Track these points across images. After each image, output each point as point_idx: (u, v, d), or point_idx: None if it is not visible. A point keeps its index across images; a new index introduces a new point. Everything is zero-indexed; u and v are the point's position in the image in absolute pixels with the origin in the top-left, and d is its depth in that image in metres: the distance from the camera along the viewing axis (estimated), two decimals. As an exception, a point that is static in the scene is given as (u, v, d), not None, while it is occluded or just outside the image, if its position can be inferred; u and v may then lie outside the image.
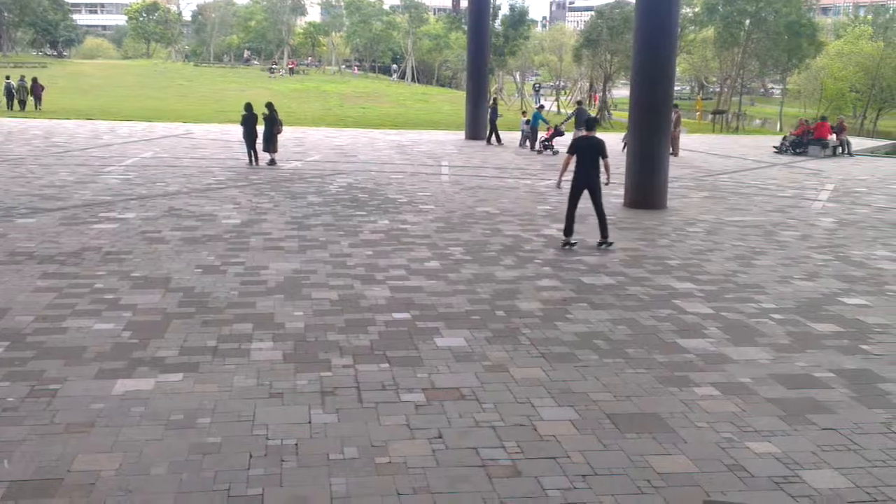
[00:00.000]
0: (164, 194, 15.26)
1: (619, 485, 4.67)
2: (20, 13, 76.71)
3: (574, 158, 11.24)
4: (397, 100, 56.49)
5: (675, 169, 20.23)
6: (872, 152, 32.43)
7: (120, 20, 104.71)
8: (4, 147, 22.99)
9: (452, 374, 6.34)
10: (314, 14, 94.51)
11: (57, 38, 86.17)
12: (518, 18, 53.68)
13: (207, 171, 18.85)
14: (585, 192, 11.28)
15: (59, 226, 11.90)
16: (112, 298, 8.14)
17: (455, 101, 53.87)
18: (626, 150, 17.17)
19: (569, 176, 11.55)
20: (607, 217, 11.68)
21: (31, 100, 39.11)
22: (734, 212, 15.40)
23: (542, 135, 26.76)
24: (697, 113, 57.04)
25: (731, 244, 12.15)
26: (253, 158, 20.29)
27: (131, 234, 11.48)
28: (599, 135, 11.63)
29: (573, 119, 26.45)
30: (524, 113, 31.01)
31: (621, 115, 38.01)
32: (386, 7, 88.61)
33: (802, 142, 28.77)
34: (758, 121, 59.98)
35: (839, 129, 29.64)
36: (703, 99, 64.09)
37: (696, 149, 29.36)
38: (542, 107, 32.40)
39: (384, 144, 27.65)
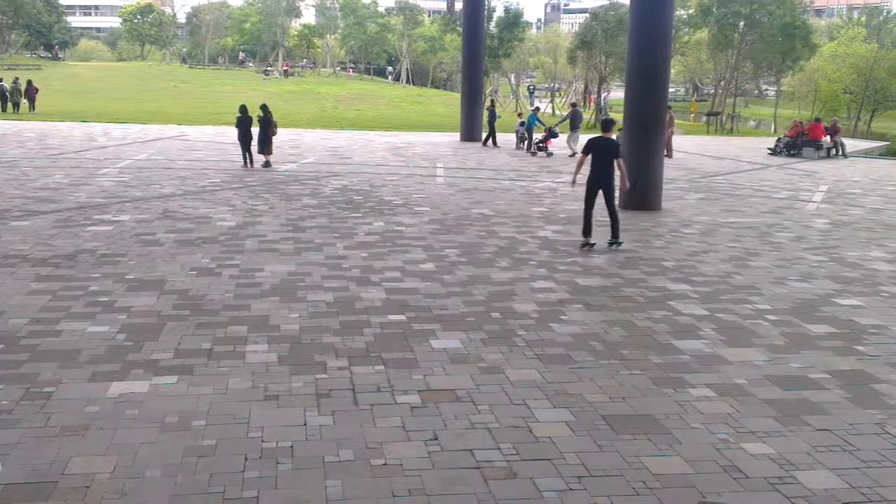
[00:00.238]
0: (159, 196, 15.24)
1: (614, 486, 4.67)
2: (14, 15, 76.50)
3: (588, 158, 11.32)
4: (392, 102, 56.48)
5: (670, 170, 20.25)
6: (867, 154, 32.53)
7: (114, 22, 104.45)
8: (-2, 149, 22.93)
9: (448, 375, 6.34)
10: (309, 16, 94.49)
11: (51, 40, 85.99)
12: (513, 20, 53.69)
13: (202, 174, 18.83)
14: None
15: (54, 228, 11.88)
16: (107, 301, 8.13)
17: (450, 102, 53.88)
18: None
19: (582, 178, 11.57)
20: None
21: (24, 102, 39.01)
22: (729, 213, 15.43)
23: (537, 136, 26.77)
24: (692, 115, 57.18)
25: (726, 245, 12.17)
26: (248, 160, 20.26)
27: (126, 236, 11.46)
28: (589, 136, 11.67)
29: (568, 121, 26.52)
30: (520, 115, 31.05)
31: (619, 118, 38.00)
32: (381, 9, 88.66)
33: (797, 143, 28.83)
34: (752, 122, 60.10)
35: (833, 131, 29.70)
36: (697, 101, 64.26)
37: (690, 150, 29.41)
38: (537, 109, 32.40)
39: (379, 146, 27.64)
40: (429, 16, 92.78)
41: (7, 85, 39.15)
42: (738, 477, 4.82)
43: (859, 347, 7.40)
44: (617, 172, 11.32)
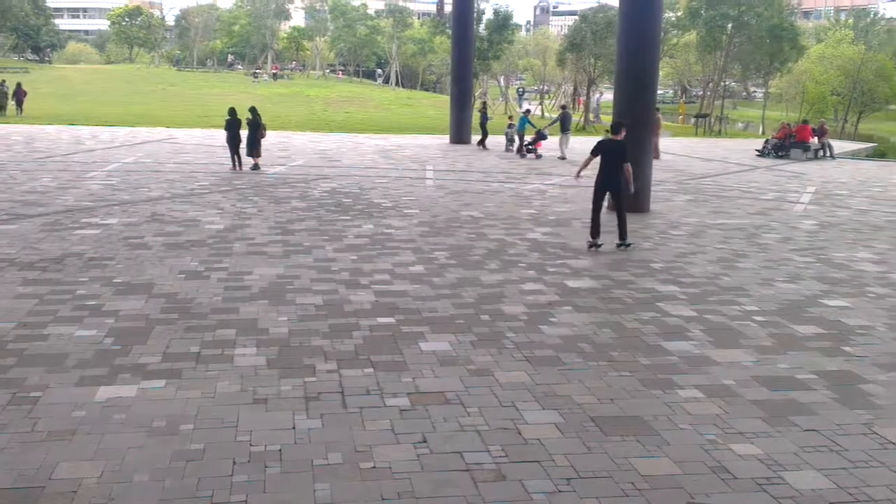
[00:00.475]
0: (147, 200, 15.19)
1: (603, 487, 4.68)
2: (1, 18, 76.07)
3: (594, 159, 11.42)
4: (382, 104, 56.47)
5: (659, 172, 20.32)
6: (854, 155, 32.70)
7: (102, 25, 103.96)
8: (-15, 153, 22.81)
9: (437, 378, 6.34)
10: (298, 18, 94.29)
11: (39, 43, 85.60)
12: (502, 23, 53.70)
13: (191, 176, 18.78)
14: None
15: (41, 232, 11.82)
16: (94, 305, 8.09)
17: (439, 105, 53.90)
18: None
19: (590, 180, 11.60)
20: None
21: (12, 105, 38.80)
22: (717, 215, 15.49)
23: (528, 139, 26.82)
24: (680, 116, 57.35)
25: (714, 247, 12.22)
26: (237, 163, 20.21)
27: (114, 239, 11.42)
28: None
29: (558, 123, 26.59)
30: (510, 117, 31.09)
31: (608, 119, 38.14)
32: (370, 12, 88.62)
33: (784, 145, 28.98)
34: (740, 124, 60.32)
35: (821, 133, 29.88)
36: (686, 103, 64.49)
37: (678, 152, 29.51)
38: (528, 111, 32.48)
39: (369, 149, 27.63)
40: (418, 18, 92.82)
41: (-7, 88, 38.95)
42: (726, 478, 4.84)
43: (846, 348, 7.44)
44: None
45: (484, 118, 29.16)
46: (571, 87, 59.64)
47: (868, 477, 4.90)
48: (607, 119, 38.85)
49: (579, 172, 12.24)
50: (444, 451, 5.08)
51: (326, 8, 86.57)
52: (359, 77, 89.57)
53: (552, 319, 8.06)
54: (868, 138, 46.65)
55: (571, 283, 9.60)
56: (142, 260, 10.17)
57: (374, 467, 4.84)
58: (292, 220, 13.31)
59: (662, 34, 29.88)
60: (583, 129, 42.87)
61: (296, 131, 34.91)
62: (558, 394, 6.08)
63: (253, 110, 20.34)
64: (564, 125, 26.27)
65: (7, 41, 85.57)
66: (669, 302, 8.88)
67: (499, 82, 75.37)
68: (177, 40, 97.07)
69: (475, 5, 39.72)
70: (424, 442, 5.19)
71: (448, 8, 45.39)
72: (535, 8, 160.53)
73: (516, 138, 27.12)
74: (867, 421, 5.75)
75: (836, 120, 51.36)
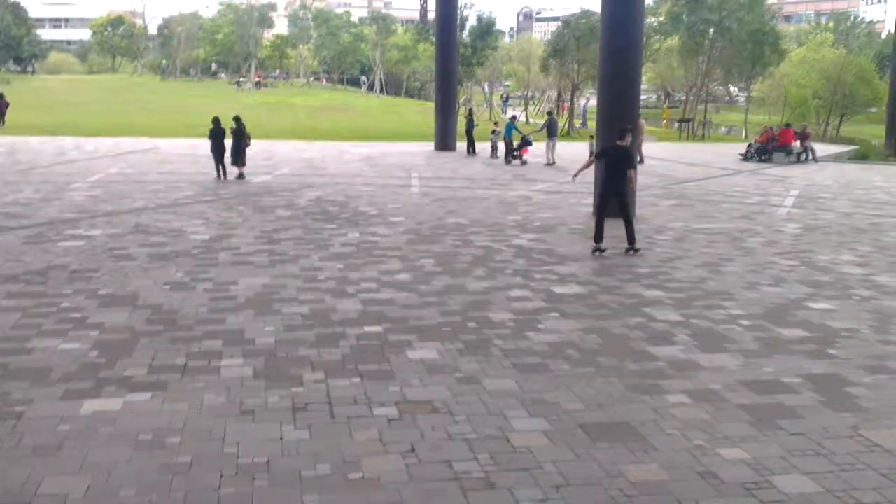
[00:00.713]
0: (131, 210, 15.11)
1: (592, 495, 4.68)
2: (-18, 29, 75.81)
3: (594, 162, 11.53)
4: (366, 111, 56.47)
5: (643, 177, 20.37)
6: (836, 158, 32.94)
7: (84, 35, 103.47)
8: (-33, 164, 22.63)
9: (425, 386, 6.33)
10: (282, 26, 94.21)
11: (21, 53, 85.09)
12: (485, 29, 53.96)
13: (175, 187, 18.69)
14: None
15: (24, 244, 11.73)
16: (78, 317, 8.03)
17: (424, 112, 53.84)
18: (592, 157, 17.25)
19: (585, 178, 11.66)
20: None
21: (-7, 116, 38.56)
22: (701, 219, 15.55)
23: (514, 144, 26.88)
24: (664, 121, 57.63)
25: (699, 251, 12.27)
26: (221, 172, 20.14)
27: (98, 251, 11.34)
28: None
29: (545, 130, 26.69)
30: (496, 123, 31.16)
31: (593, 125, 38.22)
32: (354, 19, 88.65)
33: (767, 149, 29.14)
34: (723, 128, 60.69)
35: (803, 136, 30.07)
36: (669, 107, 64.79)
37: (663, 157, 29.62)
38: (514, 117, 32.58)
39: (354, 157, 27.61)
40: (402, 25, 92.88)
41: (-24, 99, 38.66)
42: (714, 483, 4.84)
43: (832, 351, 7.48)
44: None
45: (470, 125, 29.22)
46: (556, 93, 59.84)
47: (855, 480, 4.92)
48: (594, 125, 39.08)
49: (578, 173, 12.37)
50: (432, 460, 5.07)
51: (310, 16, 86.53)
52: (343, 85, 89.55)
53: (539, 326, 8.07)
54: (850, 141, 46.98)
55: (558, 290, 9.61)
56: (126, 271, 10.11)
57: (363, 478, 4.82)
58: (278, 230, 13.27)
59: (645, 39, 30.02)
60: (567, 135, 43.00)
61: (280, 140, 34.83)
62: (546, 401, 6.08)
63: (237, 119, 20.27)
64: (551, 131, 26.36)
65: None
66: (655, 307, 8.90)
67: (483, 89, 75.53)
68: (160, 49, 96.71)
69: (459, 12, 39.82)
70: (413, 451, 5.18)
71: (431, 15, 45.47)
72: (518, 14, 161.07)
73: (500, 144, 27.17)
74: (853, 424, 5.78)
75: (818, 123, 51.67)
